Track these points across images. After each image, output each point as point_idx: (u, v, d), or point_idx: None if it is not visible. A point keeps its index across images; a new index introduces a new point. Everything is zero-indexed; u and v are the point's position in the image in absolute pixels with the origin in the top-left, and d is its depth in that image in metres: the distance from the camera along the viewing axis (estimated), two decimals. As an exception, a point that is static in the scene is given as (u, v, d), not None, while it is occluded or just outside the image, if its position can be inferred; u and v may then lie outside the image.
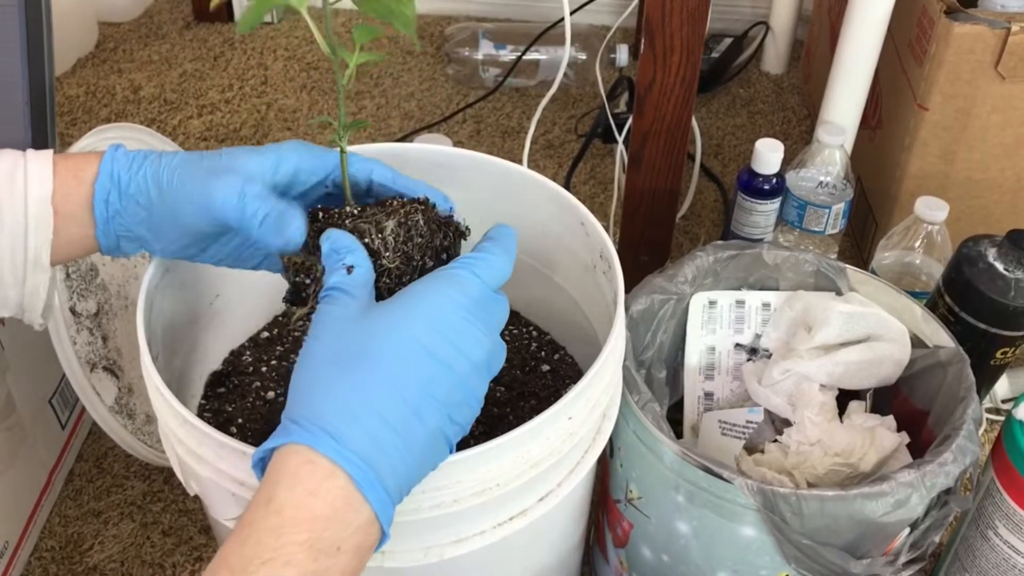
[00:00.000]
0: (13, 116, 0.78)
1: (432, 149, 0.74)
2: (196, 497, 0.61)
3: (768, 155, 1.02)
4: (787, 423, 0.77)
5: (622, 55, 1.46)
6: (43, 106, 0.79)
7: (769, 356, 0.80)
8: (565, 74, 1.19)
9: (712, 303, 0.80)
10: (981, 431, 0.87)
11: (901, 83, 1.06)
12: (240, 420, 0.70)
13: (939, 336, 0.74)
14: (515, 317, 0.81)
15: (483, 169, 0.73)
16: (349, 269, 0.49)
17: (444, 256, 0.54)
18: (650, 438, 0.65)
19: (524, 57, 1.44)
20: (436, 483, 0.52)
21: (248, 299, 0.76)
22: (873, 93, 1.08)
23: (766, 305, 0.80)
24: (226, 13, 1.61)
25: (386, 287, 0.52)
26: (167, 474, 0.92)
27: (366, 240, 0.51)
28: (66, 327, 0.76)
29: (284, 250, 0.53)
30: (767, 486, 0.61)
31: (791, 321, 0.79)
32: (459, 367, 0.47)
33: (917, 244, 0.96)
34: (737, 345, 0.81)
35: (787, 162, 1.05)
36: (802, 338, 0.77)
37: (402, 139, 1.36)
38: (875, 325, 0.76)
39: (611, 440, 0.70)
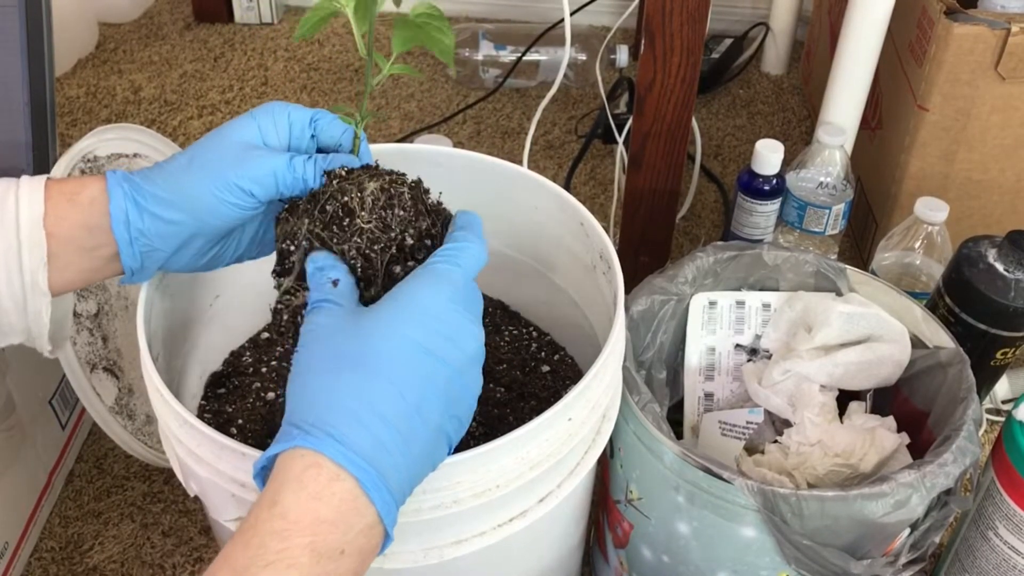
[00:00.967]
0: (13, 116, 0.78)
1: (432, 150, 0.74)
2: (196, 498, 0.61)
3: (768, 156, 1.02)
4: (787, 424, 0.77)
5: (622, 56, 1.46)
6: (43, 106, 0.79)
7: (769, 357, 0.80)
8: (565, 75, 1.19)
9: (712, 304, 0.80)
10: (981, 432, 0.87)
11: (901, 84, 1.06)
12: (240, 421, 0.70)
13: (939, 337, 0.74)
14: (515, 317, 0.81)
15: (483, 170, 0.73)
16: (335, 283, 0.50)
17: (428, 243, 0.54)
18: (650, 439, 0.65)
19: (524, 58, 1.44)
20: (436, 484, 0.52)
21: (248, 300, 0.76)
22: (873, 94, 1.08)
23: (766, 306, 0.80)
24: (226, 14, 1.61)
25: (362, 255, 0.52)
26: (167, 475, 0.92)
27: (345, 199, 0.52)
28: (71, 315, 0.76)
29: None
30: (767, 487, 0.61)
31: (791, 322, 0.79)
32: (455, 360, 0.47)
33: (917, 245, 0.96)
34: (737, 346, 0.81)
35: (787, 163, 1.05)
36: (802, 339, 0.77)
37: (402, 140, 1.36)
38: (875, 326, 0.76)
39: (611, 441, 0.70)
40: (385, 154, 0.73)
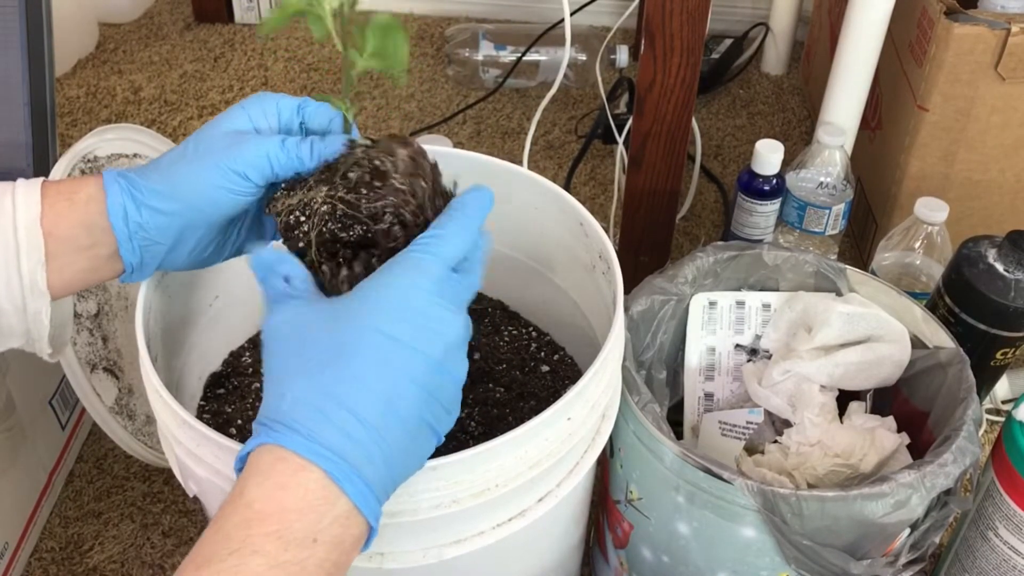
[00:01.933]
0: (13, 116, 0.79)
1: (432, 150, 0.73)
2: (196, 498, 0.61)
3: (768, 156, 1.02)
4: (787, 424, 0.77)
5: (622, 56, 1.46)
6: (43, 107, 0.79)
7: (769, 357, 0.80)
8: (565, 75, 1.19)
9: (712, 304, 0.80)
10: (981, 432, 0.87)
11: (901, 84, 1.06)
12: (239, 421, 0.70)
13: (939, 337, 0.74)
14: (515, 317, 0.81)
15: (483, 170, 0.73)
16: (286, 279, 0.49)
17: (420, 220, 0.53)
18: (650, 439, 0.65)
19: (524, 58, 1.44)
20: (435, 483, 0.52)
21: (247, 300, 0.76)
22: (873, 94, 1.08)
23: (766, 306, 0.80)
24: (226, 14, 1.61)
25: (398, 215, 0.52)
26: (167, 475, 0.92)
27: (376, 163, 0.52)
28: (71, 318, 0.76)
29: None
30: (767, 487, 0.61)
31: (791, 322, 0.79)
32: (430, 349, 0.47)
33: (917, 245, 0.96)
34: (737, 346, 0.81)
35: (787, 163, 1.05)
36: (802, 339, 0.77)
37: (402, 140, 1.35)
38: (875, 326, 0.76)
39: (611, 441, 0.70)
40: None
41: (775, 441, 0.75)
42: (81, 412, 0.95)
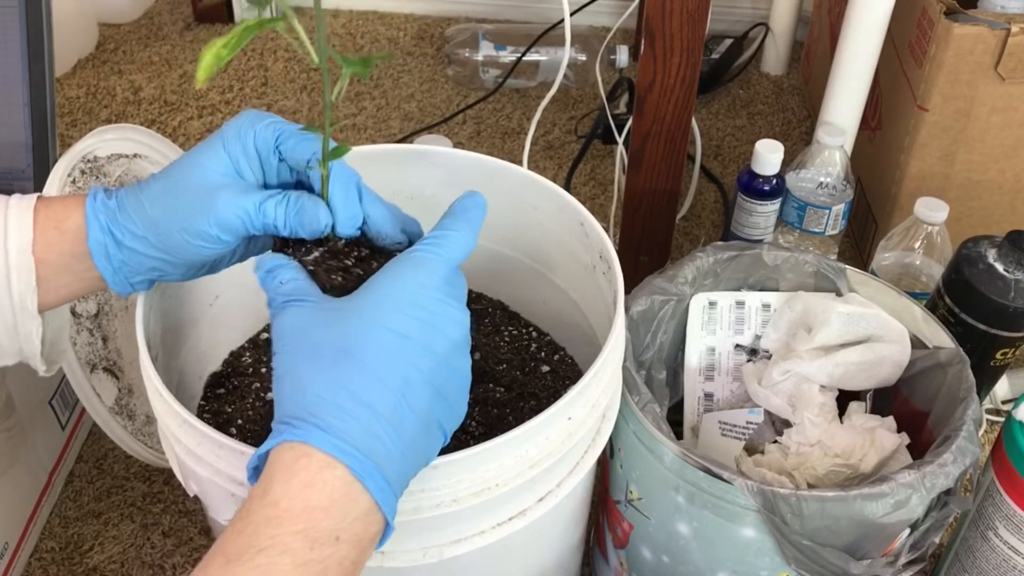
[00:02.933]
0: (13, 116, 0.79)
1: (432, 150, 0.74)
2: (196, 498, 0.61)
3: (768, 156, 1.02)
4: (787, 424, 0.77)
5: (622, 56, 1.46)
6: (43, 107, 0.79)
7: (769, 357, 0.80)
8: (565, 75, 1.19)
9: (712, 304, 0.80)
10: (981, 432, 0.87)
11: (901, 84, 1.06)
12: (239, 421, 0.70)
13: (939, 337, 0.74)
14: (515, 318, 0.81)
15: (483, 170, 0.73)
16: (289, 282, 0.50)
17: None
18: (650, 439, 0.65)
19: (524, 58, 1.44)
20: (436, 482, 0.53)
21: (247, 300, 0.75)
22: (873, 94, 1.08)
23: (766, 306, 0.80)
24: (226, 14, 1.61)
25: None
26: (167, 475, 0.92)
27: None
28: (67, 328, 0.76)
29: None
30: (767, 487, 0.61)
31: (791, 322, 0.79)
32: (439, 347, 0.47)
33: (917, 245, 0.96)
34: (737, 346, 0.81)
35: (787, 163, 1.05)
36: (802, 339, 0.77)
37: (402, 140, 1.36)
38: (875, 326, 0.76)
39: (611, 441, 0.70)
40: (385, 154, 0.73)
41: (775, 441, 0.75)
42: (81, 412, 0.94)
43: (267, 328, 0.79)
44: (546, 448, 0.56)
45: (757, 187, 1.04)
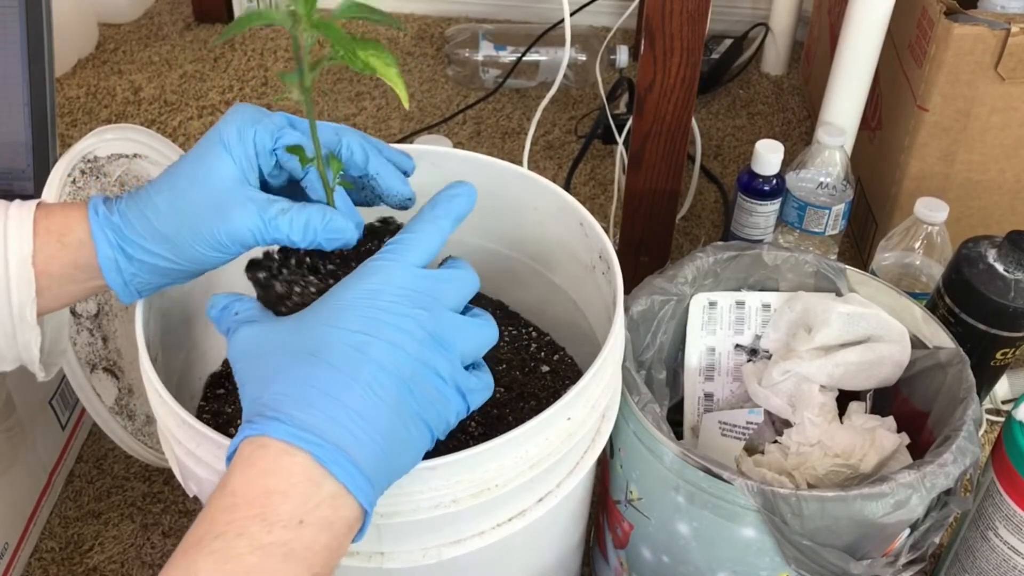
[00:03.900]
0: (13, 116, 0.79)
1: (432, 150, 0.74)
2: (196, 498, 0.61)
3: (768, 156, 1.02)
4: (787, 424, 0.76)
5: (622, 56, 1.46)
6: (43, 107, 0.79)
7: (769, 357, 0.80)
8: (565, 75, 1.19)
9: (712, 304, 0.80)
10: (981, 432, 0.87)
11: (901, 84, 1.06)
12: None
13: (939, 337, 0.74)
14: (515, 318, 0.81)
15: (483, 170, 0.73)
16: (237, 312, 0.51)
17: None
18: (650, 439, 0.65)
19: (524, 58, 1.44)
20: (435, 483, 0.52)
21: (248, 300, 0.76)
22: (873, 94, 1.08)
23: (766, 306, 0.80)
24: (226, 14, 1.61)
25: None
26: (167, 475, 0.92)
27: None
28: (66, 328, 0.76)
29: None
30: (767, 487, 0.61)
31: (791, 322, 0.79)
32: (405, 344, 0.47)
33: (917, 245, 0.96)
34: (737, 346, 0.81)
35: (787, 163, 1.05)
36: (802, 339, 0.77)
37: (402, 140, 1.36)
38: (875, 326, 0.76)
39: (611, 441, 0.70)
40: (385, 154, 0.73)
41: (775, 441, 0.75)
42: (81, 412, 0.94)
43: (267, 328, 0.79)
44: (546, 448, 0.56)
45: (757, 187, 1.04)
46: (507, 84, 1.45)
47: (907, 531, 0.65)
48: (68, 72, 1.48)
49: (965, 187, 1.05)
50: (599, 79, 1.33)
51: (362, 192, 0.58)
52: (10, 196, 0.57)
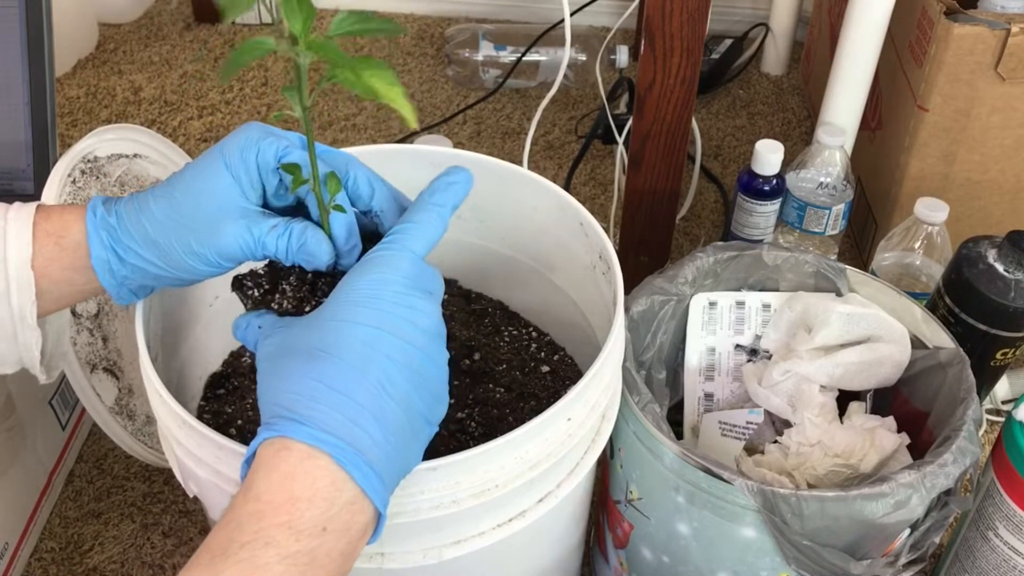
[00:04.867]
0: (13, 116, 0.79)
1: (432, 150, 0.74)
2: (196, 499, 0.61)
3: (768, 156, 1.02)
4: (787, 424, 0.77)
5: (622, 56, 1.46)
6: (43, 107, 0.79)
7: (769, 357, 0.80)
8: (565, 75, 1.19)
9: (712, 304, 0.80)
10: (981, 432, 0.87)
11: (901, 84, 1.06)
12: (239, 422, 0.70)
13: (939, 337, 0.74)
14: (514, 318, 0.81)
15: (483, 170, 0.73)
16: (260, 327, 0.52)
17: None
18: (650, 439, 0.65)
19: (524, 58, 1.44)
20: (435, 484, 0.52)
21: (248, 300, 0.76)
22: (873, 94, 1.08)
23: (766, 306, 0.80)
24: (226, 14, 1.61)
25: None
26: (167, 475, 0.92)
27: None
28: (67, 330, 0.76)
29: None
30: (767, 487, 0.61)
31: (791, 322, 0.79)
32: (412, 337, 0.47)
33: (917, 245, 0.96)
34: (737, 346, 0.81)
35: (787, 163, 1.05)
36: (802, 339, 0.77)
37: (402, 140, 1.36)
38: (875, 326, 0.76)
39: (611, 441, 0.70)
40: (385, 155, 0.73)
41: (775, 441, 0.75)
42: (81, 412, 0.94)
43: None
44: (546, 449, 0.56)
45: (757, 187, 1.04)
46: (507, 84, 1.45)
47: (907, 531, 0.65)
48: (68, 72, 1.48)
49: (965, 187, 1.05)
50: (599, 79, 1.33)
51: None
52: (10, 196, 0.57)
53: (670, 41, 0.88)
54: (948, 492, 0.64)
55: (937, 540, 0.66)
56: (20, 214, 0.55)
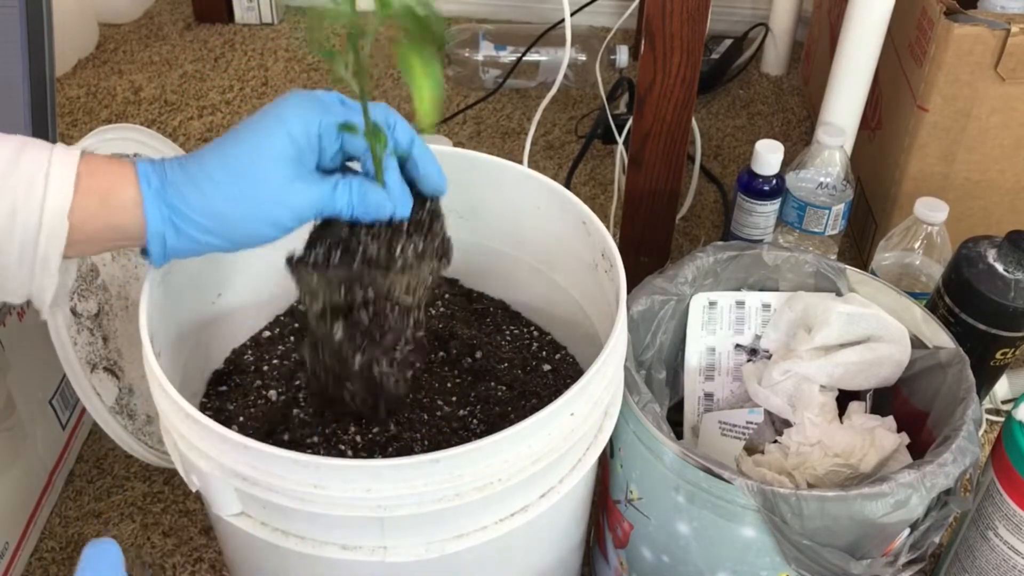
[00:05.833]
0: (13, 116, 0.79)
1: (432, 150, 0.74)
2: (197, 498, 0.61)
3: (768, 156, 1.02)
4: (787, 424, 0.77)
5: (622, 56, 1.46)
6: (44, 107, 0.79)
7: (769, 357, 0.80)
8: (565, 75, 1.19)
9: (712, 304, 0.80)
10: (981, 432, 0.87)
11: (901, 84, 1.06)
12: (241, 419, 0.70)
13: (939, 337, 0.75)
14: (516, 317, 0.81)
15: (484, 169, 0.73)
16: None
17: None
18: (650, 439, 0.66)
19: (524, 58, 1.44)
20: (438, 477, 0.53)
21: (250, 298, 0.76)
22: (873, 94, 1.08)
23: (766, 306, 0.80)
24: (226, 14, 1.61)
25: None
26: (167, 475, 0.92)
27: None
28: (66, 328, 0.76)
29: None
30: (767, 487, 0.61)
31: (791, 322, 0.79)
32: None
33: (917, 245, 0.96)
34: (737, 346, 0.81)
35: (787, 163, 1.05)
36: (802, 339, 0.77)
37: (402, 140, 1.36)
38: (875, 326, 0.76)
39: (611, 441, 0.70)
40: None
41: (775, 441, 0.75)
42: (81, 412, 0.94)
43: (269, 326, 0.79)
44: (548, 444, 0.56)
45: (757, 187, 1.04)
46: (507, 84, 1.45)
47: (907, 531, 0.65)
48: (68, 72, 1.48)
49: (965, 187, 1.06)
50: (599, 79, 1.33)
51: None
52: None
53: (670, 41, 0.88)
54: (948, 492, 0.64)
55: (937, 540, 0.66)
56: (65, 159, 0.53)
